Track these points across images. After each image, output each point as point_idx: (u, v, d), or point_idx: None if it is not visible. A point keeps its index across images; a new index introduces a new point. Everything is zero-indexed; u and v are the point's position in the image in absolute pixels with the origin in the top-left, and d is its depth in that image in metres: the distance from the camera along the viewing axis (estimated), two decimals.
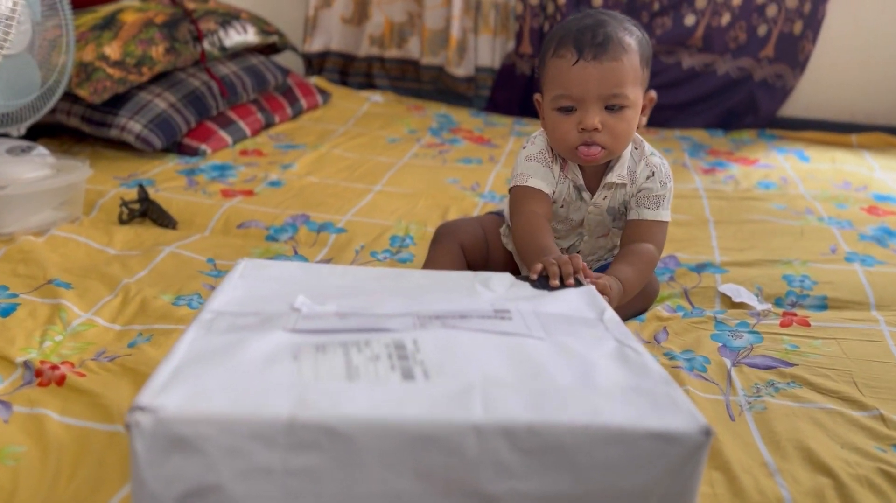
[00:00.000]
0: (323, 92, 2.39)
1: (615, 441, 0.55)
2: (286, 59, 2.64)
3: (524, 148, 1.14)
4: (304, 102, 2.26)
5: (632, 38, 1.04)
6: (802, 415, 0.95)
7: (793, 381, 1.02)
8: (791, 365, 1.06)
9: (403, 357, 0.61)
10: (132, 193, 1.52)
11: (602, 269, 1.12)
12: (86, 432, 0.84)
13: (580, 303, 0.80)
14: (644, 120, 1.09)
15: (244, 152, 1.90)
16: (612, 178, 1.11)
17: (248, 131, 1.99)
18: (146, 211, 1.45)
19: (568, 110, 1.04)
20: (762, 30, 2.31)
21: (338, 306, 0.72)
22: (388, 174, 1.80)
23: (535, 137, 1.14)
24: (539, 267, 0.89)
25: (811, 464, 0.85)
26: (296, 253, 1.35)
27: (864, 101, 2.37)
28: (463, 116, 2.41)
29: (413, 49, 2.58)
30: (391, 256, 1.36)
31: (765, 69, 2.35)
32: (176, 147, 1.83)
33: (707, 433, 0.55)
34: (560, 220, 1.15)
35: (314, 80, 2.53)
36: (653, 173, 1.12)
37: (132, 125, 1.74)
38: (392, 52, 2.61)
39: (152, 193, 1.54)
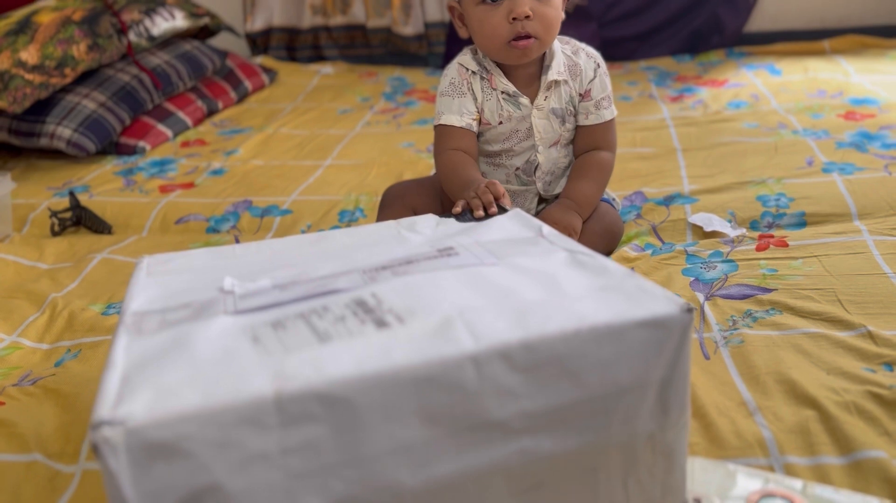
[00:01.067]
0: (268, 70, 2.29)
1: (606, 339, 0.55)
2: (231, 43, 2.53)
3: (439, 87, 1.10)
4: (248, 84, 2.15)
5: None
6: (784, 343, 0.87)
7: (772, 308, 0.94)
8: (769, 290, 0.98)
9: (369, 310, 0.58)
10: (64, 203, 1.43)
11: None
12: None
13: (514, 225, 0.79)
14: (562, 14, 1.06)
15: (186, 144, 1.81)
16: (552, 75, 1.06)
17: (189, 121, 1.89)
18: (79, 219, 1.37)
19: (494, 3, 1.00)
20: None
21: (271, 279, 0.67)
22: (338, 147, 1.71)
23: (445, 70, 1.10)
24: (462, 202, 0.87)
25: (794, 397, 0.77)
26: (237, 242, 1.27)
27: (832, 5, 2.25)
28: (418, 77, 2.31)
29: (358, 13, 2.47)
30: None
31: None
32: (113, 147, 1.73)
33: (689, 310, 0.56)
34: (505, 138, 1.08)
35: (260, 60, 2.43)
36: (598, 64, 1.09)
37: (61, 131, 1.64)
38: (337, 20, 2.49)
39: (86, 199, 1.45)
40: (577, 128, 1.10)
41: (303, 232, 1.28)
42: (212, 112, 1.99)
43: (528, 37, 1.00)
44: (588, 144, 1.10)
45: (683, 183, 1.33)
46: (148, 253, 1.23)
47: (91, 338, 1.00)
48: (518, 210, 0.84)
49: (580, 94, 1.08)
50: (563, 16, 1.05)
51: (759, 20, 2.30)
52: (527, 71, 1.07)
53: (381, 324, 0.56)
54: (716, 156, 1.44)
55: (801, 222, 1.16)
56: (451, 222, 0.83)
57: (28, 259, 1.27)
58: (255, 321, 0.59)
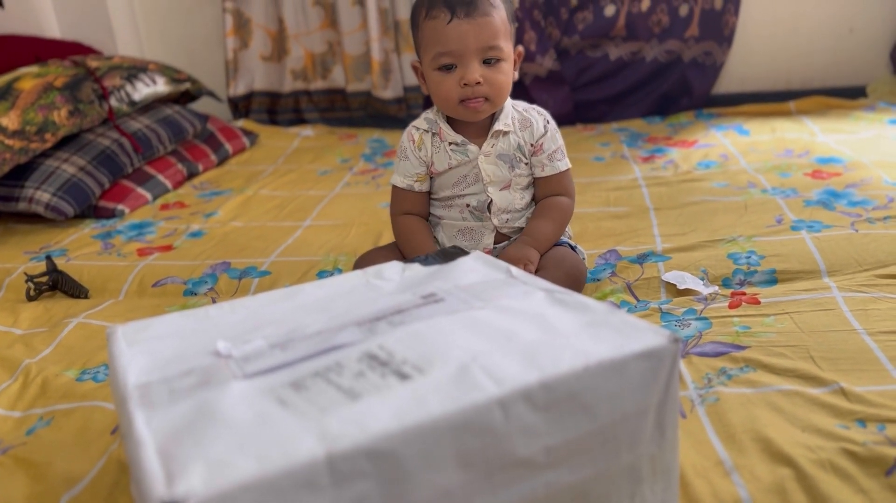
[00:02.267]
0: (249, 133, 2.31)
1: (611, 372, 0.60)
2: (213, 107, 2.57)
3: (397, 164, 1.21)
4: (229, 147, 2.18)
5: None
6: (759, 401, 0.87)
7: (746, 365, 0.95)
8: (743, 348, 0.99)
9: (384, 363, 0.61)
10: (41, 267, 1.43)
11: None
12: None
13: (482, 267, 0.84)
14: (516, 74, 1.15)
15: (165, 206, 1.81)
16: (498, 126, 1.15)
17: (169, 184, 1.90)
18: (55, 283, 1.36)
19: (448, 68, 1.09)
20: (683, 10, 2.28)
21: (264, 340, 0.69)
22: (317, 208, 1.73)
23: (402, 136, 1.21)
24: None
25: (770, 456, 0.78)
26: (214, 303, 1.26)
27: (797, 67, 2.34)
28: (397, 138, 2.34)
29: (338, 78, 2.52)
30: None
31: (692, 49, 2.31)
32: (91, 211, 1.74)
33: (676, 340, 0.63)
34: (454, 183, 1.18)
35: (241, 123, 2.46)
36: (548, 121, 1.18)
37: (40, 195, 1.65)
38: (317, 84, 2.54)
39: (63, 263, 1.45)
40: (536, 180, 1.19)
41: None
42: (192, 175, 2.01)
43: (478, 99, 1.10)
44: (547, 193, 1.19)
45: (656, 241, 1.36)
46: (124, 317, 1.23)
47: (64, 404, 0.99)
48: (478, 252, 0.90)
49: (532, 146, 1.16)
50: (512, 78, 1.13)
51: (727, 82, 2.38)
52: (478, 124, 1.17)
53: (402, 376, 0.59)
54: (687, 214, 1.47)
55: (772, 279, 1.18)
56: (416, 266, 0.87)
57: (2, 325, 1.25)
58: (271, 384, 0.60)
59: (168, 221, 1.70)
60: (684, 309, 1.11)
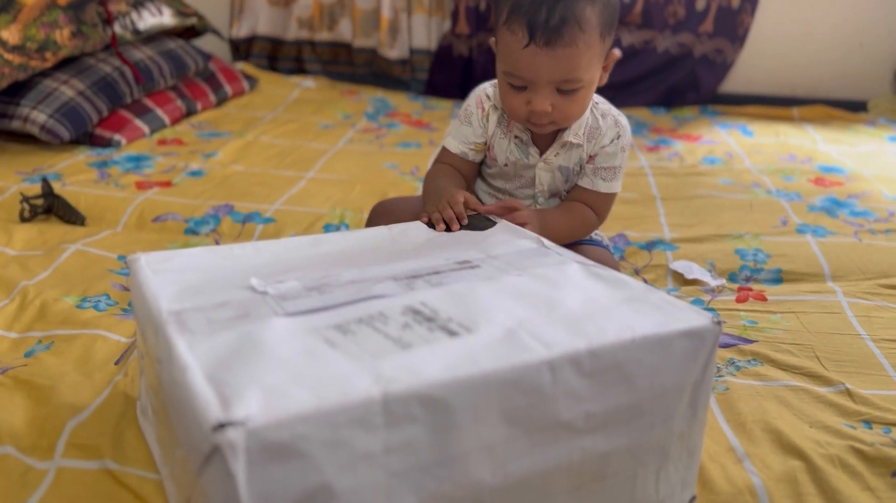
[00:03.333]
0: (249, 78, 2.26)
1: (656, 347, 0.61)
2: (212, 45, 2.50)
3: (455, 124, 1.08)
4: (228, 89, 2.13)
5: (594, 10, 0.90)
6: (767, 394, 0.89)
7: (754, 359, 0.96)
8: (751, 341, 1.00)
9: (430, 319, 0.61)
10: (35, 188, 1.38)
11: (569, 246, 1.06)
12: None
13: (513, 238, 0.83)
14: (605, 77, 0.99)
15: (162, 142, 1.77)
16: (568, 136, 1.01)
17: (167, 120, 1.85)
18: (51, 207, 1.32)
19: (518, 88, 0.95)
20: (701, 4, 2.27)
21: (298, 281, 0.69)
22: (321, 160, 1.70)
23: (472, 91, 1.07)
24: (424, 218, 0.89)
25: (781, 447, 0.79)
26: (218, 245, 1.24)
27: (803, 75, 2.36)
28: (400, 100, 2.31)
29: (345, 31, 2.47)
30: None
31: (705, 44, 2.31)
32: (87, 138, 1.68)
33: (718, 323, 0.63)
34: (508, 179, 1.06)
35: (241, 66, 2.40)
36: (619, 135, 1.02)
37: (36, 115, 1.59)
38: (323, 35, 2.49)
39: (58, 188, 1.40)
40: (577, 185, 1.05)
41: None
42: (190, 113, 1.96)
43: (545, 120, 0.96)
44: (576, 198, 1.05)
45: (664, 230, 1.36)
46: (125, 248, 1.20)
47: (65, 330, 0.96)
48: (506, 222, 0.89)
49: (590, 156, 1.03)
50: (590, 99, 0.99)
51: (733, 82, 2.39)
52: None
53: (450, 332, 0.59)
54: (693, 207, 1.48)
55: (778, 278, 1.19)
56: (441, 234, 0.87)
57: None
58: (315, 324, 0.60)
59: (166, 157, 1.65)
60: (692, 298, 1.12)
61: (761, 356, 0.97)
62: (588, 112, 1.02)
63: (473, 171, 1.08)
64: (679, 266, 1.21)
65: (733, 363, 0.95)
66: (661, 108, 2.33)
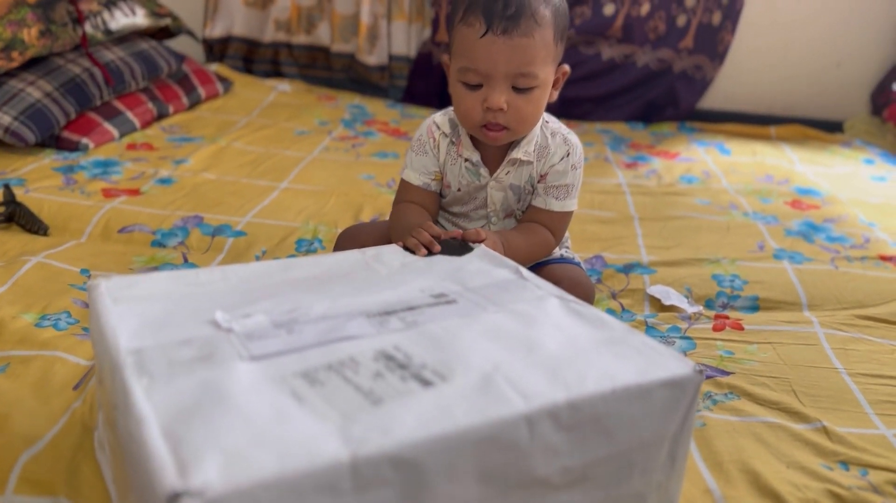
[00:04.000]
0: (224, 80, 2.22)
1: (636, 397, 0.59)
2: (185, 45, 2.45)
3: (410, 153, 1.07)
4: (202, 91, 2.08)
5: (547, 9, 0.94)
6: (744, 430, 0.87)
7: (731, 392, 0.95)
8: (727, 373, 0.99)
9: (403, 366, 0.59)
10: None
11: (542, 264, 1.08)
12: None
13: (491, 268, 0.81)
14: (555, 94, 1.01)
15: (132, 146, 1.72)
16: (517, 153, 1.02)
17: (137, 123, 1.80)
18: (12, 215, 1.27)
19: (473, 86, 0.95)
20: (681, 20, 2.27)
21: (265, 315, 0.66)
22: (295, 170, 1.66)
23: (422, 123, 1.07)
24: (400, 244, 0.88)
25: (758, 489, 0.78)
26: (186, 261, 1.20)
27: (781, 93, 2.37)
28: (378, 108, 2.28)
29: (323, 35, 2.43)
30: None
31: (684, 60, 2.31)
32: (53, 141, 1.63)
33: (700, 372, 0.61)
34: (463, 203, 1.07)
35: (215, 68, 2.35)
36: (568, 153, 1.02)
37: (1, 117, 1.53)
38: (300, 38, 2.45)
39: (21, 195, 1.36)
40: (531, 206, 1.06)
41: (257, 258, 1.23)
42: (161, 116, 1.91)
43: (499, 127, 0.97)
44: (532, 219, 1.05)
45: (641, 252, 1.35)
46: (88, 261, 1.16)
47: (21, 351, 0.92)
48: (484, 248, 0.87)
49: (540, 174, 1.03)
50: (544, 106, 0.99)
51: (712, 98, 2.40)
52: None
53: (423, 381, 0.56)
54: (671, 228, 1.47)
55: (755, 306, 1.19)
56: (416, 258, 0.84)
57: None
58: (281, 372, 0.57)
59: (135, 163, 1.61)
60: (669, 325, 1.11)
61: (738, 389, 0.96)
62: (538, 129, 1.03)
63: (436, 203, 1.08)
64: (656, 291, 1.19)
65: (710, 397, 0.94)
66: (640, 122, 2.32)
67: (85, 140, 1.64)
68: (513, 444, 0.54)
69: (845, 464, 0.82)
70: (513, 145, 1.02)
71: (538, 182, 1.04)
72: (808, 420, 0.90)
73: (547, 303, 0.72)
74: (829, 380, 0.99)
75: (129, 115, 1.79)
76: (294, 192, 1.52)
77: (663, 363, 0.62)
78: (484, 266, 0.82)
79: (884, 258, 1.38)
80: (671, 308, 1.17)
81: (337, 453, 0.48)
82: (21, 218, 1.27)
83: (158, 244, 1.26)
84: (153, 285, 0.73)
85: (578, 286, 1.10)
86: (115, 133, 1.73)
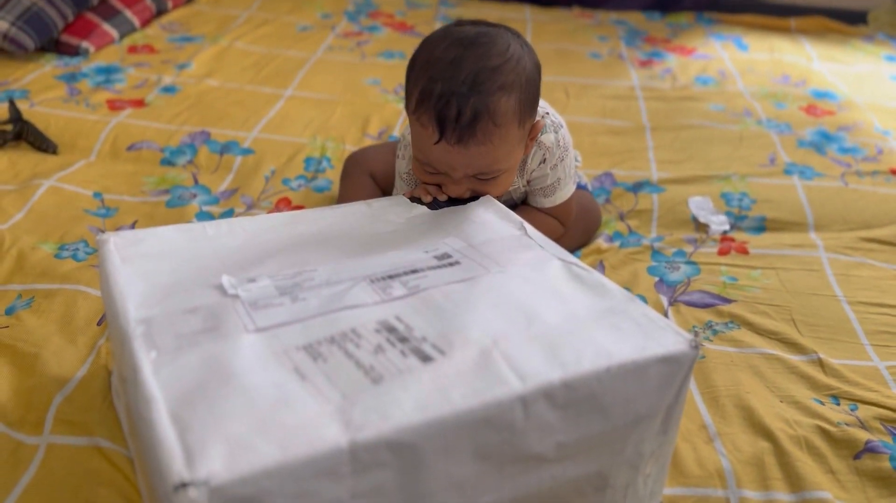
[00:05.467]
0: None
1: (631, 375, 0.60)
2: None
3: (397, 156, 1.00)
4: None
5: (510, 99, 0.82)
6: (742, 363, 0.91)
7: (731, 321, 0.98)
8: (729, 301, 1.02)
9: (404, 339, 0.60)
10: (2, 111, 1.32)
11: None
12: None
13: (496, 220, 0.81)
14: (532, 145, 0.93)
15: (133, 49, 1.68)
16: None
17: (136, 22, 1.75)
18: (20, 132, 1.27)
19: (431, 172, 0.87)
20: None
21: (270, 280, 0.68)
22: (299, 74, 1.63)
23: (405, 147, 0.97)
24: (408, 194, 0.86)
25: (751, 426, 0.82)
26: (196, 182, 1.21)
27: None
28: None
29: None
30: (306, 183, 1.22)
31: None
32: (52, 45, 1.59)
33: (696, 347, 0.62)
34: None
35: None
36: (544, 158, 0.96)
37: None
38: None
39: (27, 109, 1.34)
40: (526, 205, 1.04)
41: (266, 178, 1.23)
42: (160, 12, 1.85)
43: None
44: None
45: (651, 168, 1.35)
46: (100, 183, 1.17)
47: (44, 284, 0.95)
48: (489, 197, 0.86)
49: (527, 181, 1.00)
50: (513, 179, 0.91)
51: None
52: None
53: (423, 357, 0.58)
54: (683, 139, 1.45)
55: (762, 227, 1.20)
56: (423, 209, 0.85)
57: None
58: (284, 345, 0.59)
59: (138, 69, 1.58)
60: (675, 249, 1.13)
61: (739, 318, 0.98)
62: None
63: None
64: (694, 204, 1.21)
65: (711, 327, 0.97)
66: (656, 12, 2.23)
67: (85, 44, 1.61)
68: (508, 424, 0.56)
69: (836, 398, 0.86)
70: None
71: (525, 185, 1.00)
72: (804, 352, 0.93)
73: (549, 265, 0.72)
74: (829, 308, 1.02)
75: (128, 13, 1.74)
76: (299, 101, 1.50)
77: (660, 338, 0.62)
78: (489, 218, 0.82)
79: (895, 172, 1.37)
80: (681, 228, 1.18)
81: (336, 439, 0.50)
82: (29, 136, 1.27)
83: (168, 162, 1.26)
84: (161, 241, 0.74)
85: (586, 213, 1.11)
86: (115, 34, 1.69)
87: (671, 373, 0.62)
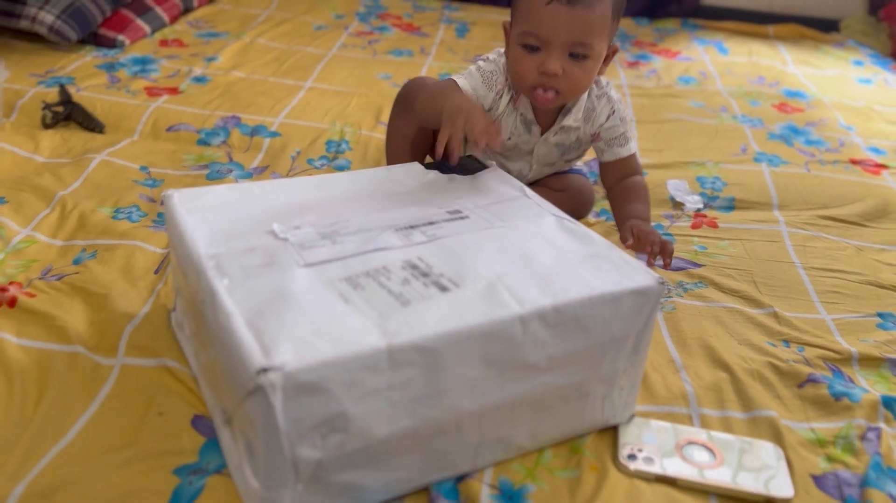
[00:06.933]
0: None
1: (609, 303, 0.74)
2: None
3: (478, 61, 1.12)
4: None
5: None
6: (707, 314, 1.06)
7: (700, 282, 1.13)
8: (699, 265, 1.17)
9: (425, 274, 0.73)
10: (52, 94, 1.46)
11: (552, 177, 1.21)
12: (46, 354, 0.87)
13: (500, 185, 0.94)
14: (605, 69, 1.08)
15: (164, 42, 1.83)
16: (567, 121, 1.11)
17: (166, 18, 1.90)
18: (70, 114, 1.41)
19: (532, 49, 1.01)
20: None
21: (312, 227, 0.80)
22: (317, 68, 1.78)
23: (492, 60, 1.11)
24: (440, 149, 0.93)
25: (712, 361, 0.97)
26: (231, 159, 1.36)
27: None
28: (391, 0, 2.35)
29: None
30: (328, 163, 1.38)
31: None
32: (92, 38, 1.74)
33: (662, 283, 0.76)
34: (508, 149, 1.16)
35: None
36: (613, 111, 1.12)
37: (44, 16, 1.64)
38: None
39: (74, 94, 1.49)
40: (601, 164, 1.17)
41: (293, 157, 1.38)
42: (187, 10, 2.00)
43: (551, 90, 1.02)
44: (616, 175, 1.16)
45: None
46: (145, 158, 1.32)
47: (105, 240, 1.09)
48: (495, 166, 0.99)
49: (591, 135, 1.13)
50: (594, 76, 1.05)
51: None
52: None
53: (442, 288, 0.71)
54: (664, 131, 1.61)
55: (731, 206, 1.35)
56: (433, 172, 0.97)
57: (24, 150, 1.32)
58: (330, 276, 0.72)
59: (170, 60, 1.73)
60: (654, 223, 1.28)
61: (706, 279, 1.13)
62: (585, 95, 1.11)
63: None
64: (672, 185, 1.36)
65: (682, 285, 1.12)
66: (644, 18, 2.40)
67: (121, 37, 1.75)
68: (509, 338, 0.69)
69: (787, 342, 1.01)
70: (563, 111, 1.11)
71: (593, 141, 1.14)
72: (762, 306, 1.08)
73: (544, 220, 0.85)
74: (786, 272, 1.17)
75: (158, 10, 1.89)
76: (318, 92, 1.65)
77: (633, 275, 0.76)
78: (493, 184, 0.95)
79: (854, 162, 1.53)
80: (678, 205, 1.33)
81: (377, 342, 0.63)
82: (78, 116, 1.41)
83: (204, 143, 1.41)
84: (217, 197, 0.87)
85: (581, 194, 1.25)
86: (147, 29, 1.84)
87: (641, 303, 0.76)
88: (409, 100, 1.17)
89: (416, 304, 0.69)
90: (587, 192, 1.28)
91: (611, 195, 1.16)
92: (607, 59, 1.06)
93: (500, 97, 1.10)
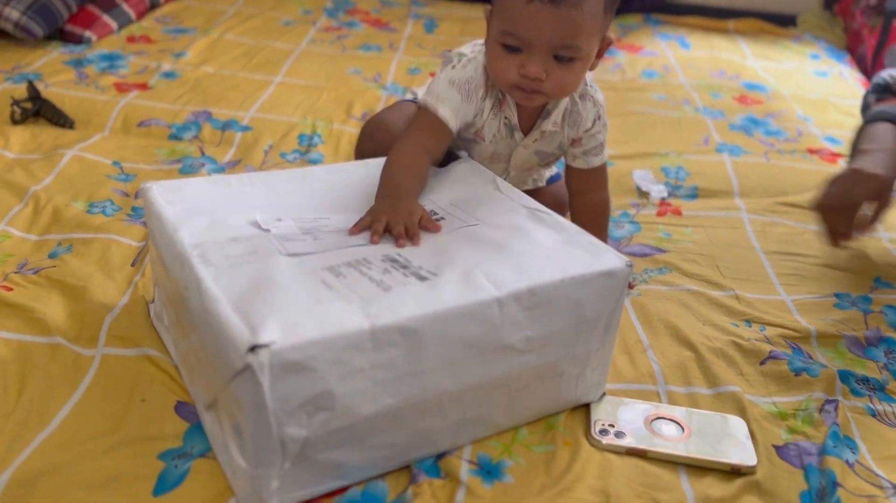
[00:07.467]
0: None
1: (580, 285, 0.77)
2: None
3: (452, 66, 0.99)
4: None
5: None
6: (672, 297, 1.10)
7: (664, 267, 1.17)
8: (663, 251, 1.21)
9: (404, 266, 0.75)
10: (21, 90, 1.46)
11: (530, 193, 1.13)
12: (26, 346, 0.88)
13: (473, 177, 0.97)
14: (597, 64, 0.97)
15: (131, 39, 1.82)
16: (546, 125, 1.03)
17: (132, 14, 1.90)
18: (39, 110, 1.41)
19: (512, 49, 0.91)
20: None
21: (294, 221, 0.83)
22: (286, 63, 1.79)
23: (468, 60, 0.99)
24: (360, 225, 0.83)
25: (677, 341, 1.00)
26: (203, 154, 1.36)
27: None
28: None
29: None
30: (301, 157, 1.39)
31: None
32: (58, 34, 1.73)
33: (630, 265, 0.80)
34: (487, 155, 1.07)
35: None
36: (599, 116, 1.05)
37: (9, 12, 1.63)
38: None
39: (42, 89, 1.48)
40: (569, 168, 1.09)
41: (265, 151, 1.39)
42: (153, 6, 2.00)
43: (534, 91, 0.93)
44: (582, 186, 1.10)
45: None
46: (117, 154, 1.32)
47: (80, 234, 1.10)
48: (467, 159, 1.01)
49: (572, 140, 1.05)
50: (583, 77, 0.96)
51: None
52: (530, 107, 1.02)
53: (420, 278, 0.73)
54: (629, 123, 1.65)
55: (694, 194, 1.40)
56: None
57: None
58: (312, 266, 0.74)
59: (138, 56, 1.72)
60: (620, 211, 1.32)
61: (671, 265, 1.17)
62: (566, 99, 1.02)
63: (447, 145, 1.00)
64: (637, 175, 1.40)
65: (647, 272, 1.16)
66: None
67: (88, 33, 1.75)
68: (487, 320, 0.72)
69: (749, 321, 1.06)
70: (543, 114, 1.03)
71: (571, 146, 1.06)
72: (724, 288, 1.13)
73: (518, 212, 0.88)
74: (747, 257, 1.21)
75: (125, 6, 1.88)
76: (288, 87, 1.66)
77: (603, 259, 0.79)
78: (466, 176, 0.97)
79: (811, 151, 1.58)
80: (627, 195, 1.37)
81: (360, 323, 0.65)
82: (47, 112, 1.41)
83: (175, 137, 1.41)
84: (195, 188, 0.88)
85: (561, 206, 1.18)
86: (114, 25, 1.83)
87: (611, 285, 0.79)
88: (373, 143, 1.10)
89: (398, 290, 0.71)
90: (564, 203, 1.21)
91: (573, 207, 1.12)
92: (600, 53, 0.97)
93: (484, 101, 1.00)
